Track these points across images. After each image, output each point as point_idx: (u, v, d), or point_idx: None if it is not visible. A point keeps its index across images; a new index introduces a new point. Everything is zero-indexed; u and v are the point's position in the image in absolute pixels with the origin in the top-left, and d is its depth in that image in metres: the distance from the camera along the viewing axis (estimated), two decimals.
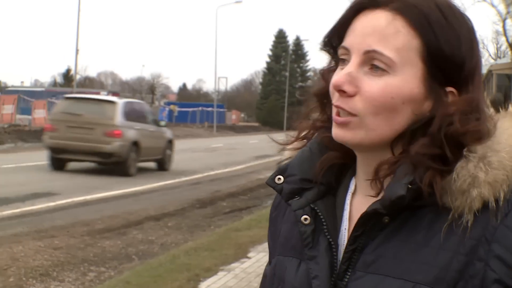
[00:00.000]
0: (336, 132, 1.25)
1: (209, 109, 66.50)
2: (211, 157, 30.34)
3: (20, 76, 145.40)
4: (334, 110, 1.26)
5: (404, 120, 1.22)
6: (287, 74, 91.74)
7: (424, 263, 1.17)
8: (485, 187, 1.16)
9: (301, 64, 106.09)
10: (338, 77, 1.22)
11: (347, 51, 1.24)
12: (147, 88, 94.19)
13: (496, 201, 1.16)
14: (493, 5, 44.45)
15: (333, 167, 1.34)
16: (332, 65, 1.35)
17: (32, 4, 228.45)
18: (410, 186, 1.17)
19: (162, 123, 25.03)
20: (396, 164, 1.21)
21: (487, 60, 57.27)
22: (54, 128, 20.87)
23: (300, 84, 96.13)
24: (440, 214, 1.18)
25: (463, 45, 1.23)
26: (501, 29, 48.79)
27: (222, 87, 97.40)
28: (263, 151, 28.34)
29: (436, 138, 1.19)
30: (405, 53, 1.21)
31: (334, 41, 1.32)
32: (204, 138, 49.57)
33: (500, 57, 57.12)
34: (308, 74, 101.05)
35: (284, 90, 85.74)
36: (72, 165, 20.84)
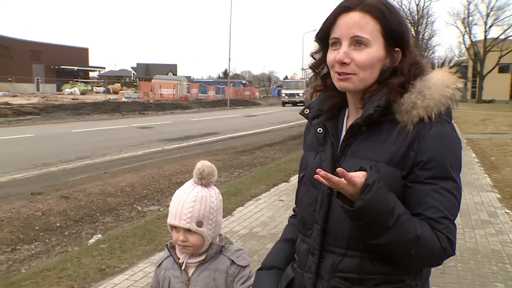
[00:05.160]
0: (340, 84, 1.21)
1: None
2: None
3: (200, 72, 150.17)
4: (335, 74, 1.21)
5: (377, 71, 1.20)
6: None
7: (383, 151, 1.17)
8: (421, 109, 1.14)
9: None
10: (339, 55, 1.18)
11: (337, 39, 1.20)
12: (266, 79, 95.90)
13: (429, 118, 1.15)
14: (457, 27, 48.42)
15: (335, 104, 1.32)
16: (318, 50, 1.30)
17: (209, 23, 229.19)
18: (376, 108, 1.17)
19: None
20: (374, 92, 1.19)
21: (453, 58, 59.43)
22: None
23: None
24: (394, 125, 1.18)
25: (402, 24, 1.21)
26: (461, 40, 57.87)
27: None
28: None
29: (406, 76, 1.19)
30: (373, 34, 1.17)
31: (321, 35, 1.26)
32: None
33: (461, 56, 59.51)
34: None
35: None
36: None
